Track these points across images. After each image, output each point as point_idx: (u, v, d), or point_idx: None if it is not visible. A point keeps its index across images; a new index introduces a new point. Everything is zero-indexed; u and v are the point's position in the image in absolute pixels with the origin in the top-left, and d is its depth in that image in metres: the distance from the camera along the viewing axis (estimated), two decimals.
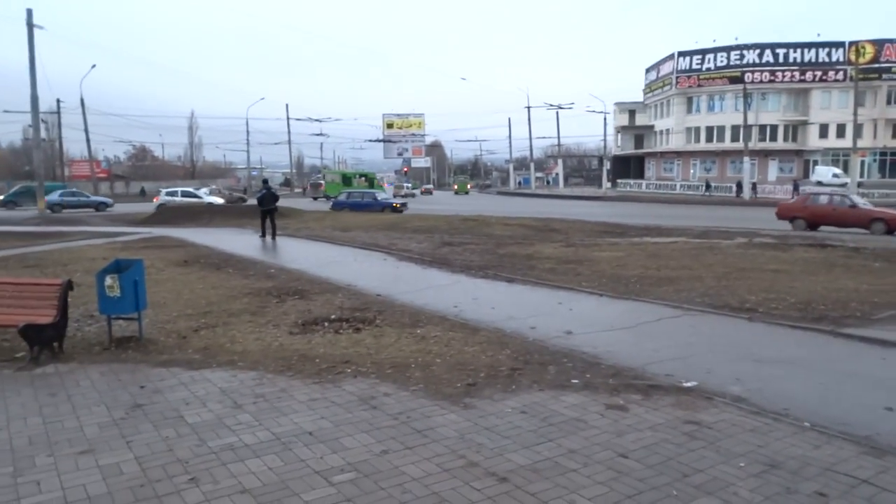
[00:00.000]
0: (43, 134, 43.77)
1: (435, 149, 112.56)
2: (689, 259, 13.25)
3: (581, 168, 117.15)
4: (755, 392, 5.27)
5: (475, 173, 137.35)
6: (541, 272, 11.88)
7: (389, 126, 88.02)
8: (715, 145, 63.33)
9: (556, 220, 24.97)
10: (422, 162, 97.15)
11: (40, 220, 28.65)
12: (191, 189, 41.30)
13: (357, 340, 6.90)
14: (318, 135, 79.58)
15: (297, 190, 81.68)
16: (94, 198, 41.98)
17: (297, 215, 29.00)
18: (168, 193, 38.40)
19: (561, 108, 67.75)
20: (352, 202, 34.13)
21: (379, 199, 34.73)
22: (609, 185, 67.68)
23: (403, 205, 34.18)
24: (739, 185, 49.78)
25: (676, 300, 9.08)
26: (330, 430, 4.46)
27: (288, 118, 75.68)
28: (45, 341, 6.21)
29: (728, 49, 62.06)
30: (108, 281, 6.50)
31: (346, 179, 54.71)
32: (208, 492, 3.61)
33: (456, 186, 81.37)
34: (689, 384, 5.45)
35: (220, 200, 38.10)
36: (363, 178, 54.93)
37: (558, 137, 74.18)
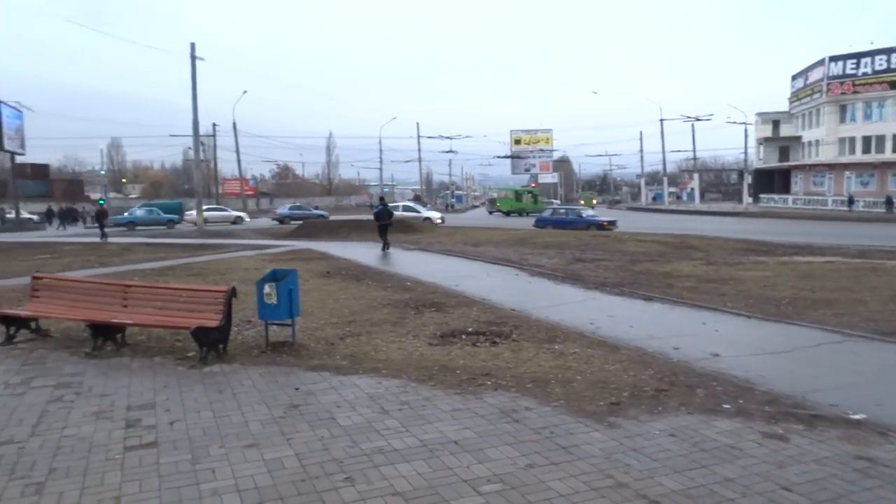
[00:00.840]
0: (201, 155, 47.96)
1: (563, 164, 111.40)
2: (848, 280, 12.21)
3: (718, 183, 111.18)
4: None
5: (604, 188, 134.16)
6: (680, 290, 11.42)
7: (517, 142, 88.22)
8: (874, 156, 57.85)
9: (694, 237, 23.89)
10: (549, 177, 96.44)
11: (199, 233, 31.35)
12: (410, 203, 42.02)
13: (495, 354, 6.95)
14: (447, 152, 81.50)
15: (427, 205, 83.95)
16: (314, 211, 48.81)
17: (428, 230, 29.74)
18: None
19: (698, 119, 65.02)
20: (555, 219, 32.61)
21: (584, 216, 32.64)
22: (750, 200, 63.88)
23: (612, 223, 31.35)
24: (889, 200, 46.09)
25: (836, 324, 8.39)
26: (474, 441, 4.51)
27: (419, 136, 78.03)
28: (212, 343, 6.77)
29: (889, 51, 56.64)
30: (267, 289, 6.99)
31: (518, 196, 59.35)
32: (363, 491, 3.77)
33: (582, 202, 79.65)
34: (857, 416, 5.00)
35: (437, 215, 38.48)
36: (530, 195, 59.78)
37: (693, 150, 71.27)
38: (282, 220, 43.25)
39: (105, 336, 7.26)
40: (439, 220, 36.31)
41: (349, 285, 12.41)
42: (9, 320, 7.75)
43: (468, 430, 4.73)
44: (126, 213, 42.71)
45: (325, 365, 6.55)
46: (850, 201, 49.48)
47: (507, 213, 56.07)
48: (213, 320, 6.77)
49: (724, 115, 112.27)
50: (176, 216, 43.05)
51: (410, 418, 4.98)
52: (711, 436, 4.60)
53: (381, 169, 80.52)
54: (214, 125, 64.74)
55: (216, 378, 6.16)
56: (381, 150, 77.93)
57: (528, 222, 36.19)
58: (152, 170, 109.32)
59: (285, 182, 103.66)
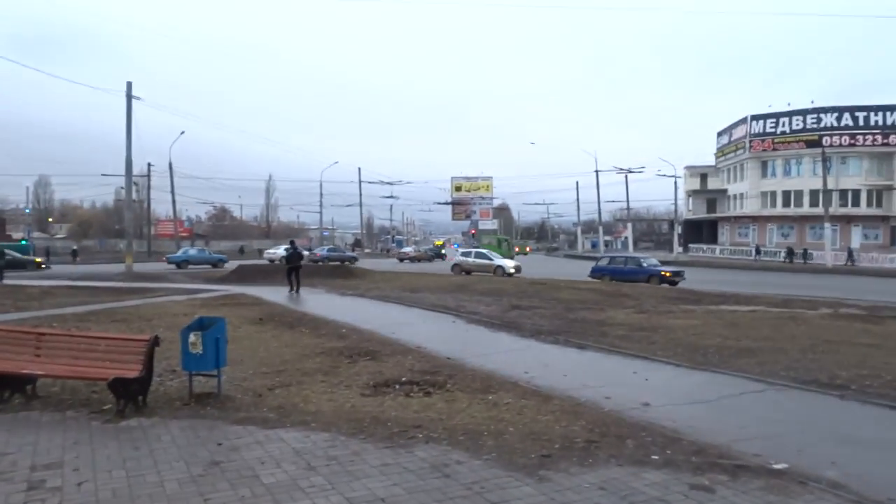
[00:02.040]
0: (134, 196, 46.61)
1: (502, 211, 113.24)
2: (771, 329, 12.68)
3: (651, 232, 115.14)
4: (854, 477, 4.89)
5: (542, 236, 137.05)
6: (613, 339, 11.60)
7: (458, 189, 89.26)
8: (793, 210, 61.25)
9: (627, 286, 24.46)
10: (489, 224, 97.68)
11: (128, 276, 30.11)
12: (483, 251, 37.80)
13: (428, 404, 6.85)
14: (388, 197, 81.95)
15: (366, 250, 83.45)
16: (347, 253, 56.78)
17: (367, 276, 29.52)
18: (463, 254, 36.94)
19: (630, 171, 67.25)
20: (612, 269, 29.49)
21: (645, 265, 29.24)
22: (680, 249, 66.23)
23: (678, 274, 28.24)
24: (790, 251, 50.48)
25: (759, 373, 8.65)
26: (403, 498, 4.38)
27: (360, 181, 78.35)
28: (130, 395, 6.43)
29: (804, 112, 60.63)
30: (192, 338, 6.72)
31: (499, 242, 63.28)
32: None
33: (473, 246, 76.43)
34: (779, 466, 5.12)
35: (511, 264, 33.86)
36: (506, 242, 64.25)
37: (627, 201, 73.44)
38: (320, 261, 46.43)
39: (13, 388, 6.81)
40: (512, 270, 32.63)
41: (282, 332, 12.11)
42: None
43: (397, 486, 4.59)
44: (180, 252, 48.00)
45: (252, 418, 6.31)
46: (757, 251, 54.33)
47: None
48: (132, 371, 6.45)
49: (656, 168, 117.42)
50: (224, 256, 47.67)
51: (337, 475, 4.81)
52: (640, 488, 4.61)
53: (321, 212, 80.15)
54: (149, 165, 63.26)
55: (133, 433, 5.83)
56: (321, 194, 77.57)
57: None
58: (81, 209, 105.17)
59: (222, 224, 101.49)
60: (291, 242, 25.19)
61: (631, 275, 28.12)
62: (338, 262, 42.66)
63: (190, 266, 42.23)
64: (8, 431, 5.88)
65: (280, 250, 55.81)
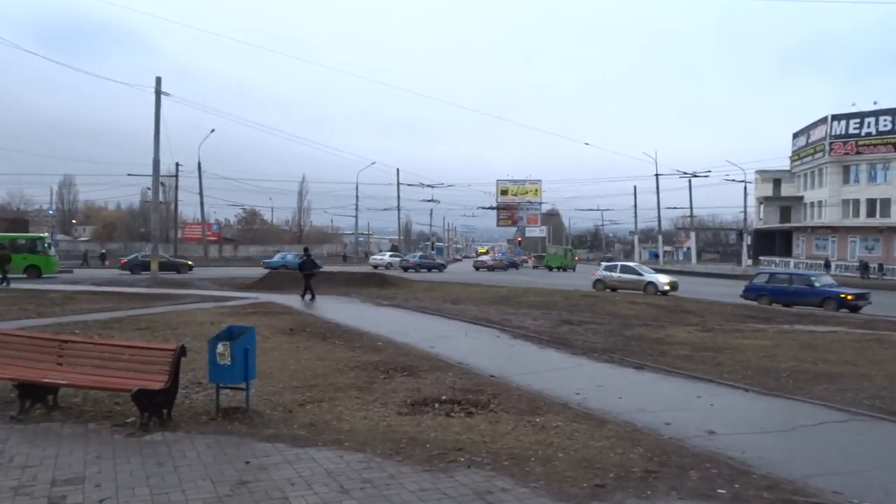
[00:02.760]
0: (160, 197, 47.90)
1: (552, 217, 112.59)
2: (853, 353, 12.30)
3: (716, 242, 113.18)
4: None
5: (595, 245, 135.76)
6: (674, 359, 11.44)
7: (504, 192, 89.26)
8: (878, 220, 59.24)
9: (689, 300, 24.07)
10: (536, 231, 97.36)
11: (153, 281, 30.97)
12: (632, 265, 35.42)
13: (470, 426, 6.83)
14: (428, 201, 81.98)
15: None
16: (436, 261, 60.71)
17: (405, 285, 29.70)
18: (607, 268, 34.66)
19: (695, 175, 66.30)
20: (772, 288, 25.78)
21: (817, 285, 24.94)
22: (749, 262, 64.77)
23: (861, 296, 24.14)
24: (865, 265, 49.69)
25: (840, 401, 8.39)
26: None
27: (398, 183, 78.66)
28: (155, 407, 6.58)
29: (893, 112, 58.74)
30: (220, 348, 6.84)
31: (565, 253, 69.80)
32: None
33: (546, 261, 73.93)
34: None
35: (665, 280, 31.14)
36: (570, 252, 69.92)
37: (690, 208, 72.20)
38: (412, 268, 53.45)
39: (34, 398, 7.03)
40: (667, 287, 29.91)
41: (314, 344, 12.26)
42: None
43: None
44: (277, 257, 52.13)
45: (282, 435, 6.38)
46: (826, 265, 52.39)
47: (550, 269, 66.35)
48: (157, 382, 6.60)
49: (723, 172, 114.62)
50: (320, 263, 48.33)
51: (373, 499, 4.82)
52: None
53: (356, 216, 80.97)
54: (177, 165, 65.06)
55: (157, 448, 5.96)
56: (357, 197, 78.41)
57: (553, 278, 36.05)
58: (106, 210, 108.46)
59: (251, 227, 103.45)
60: (305, 250, 26.06)
61: (798, 296, 24.48)
62: (426, 270, 52.92)
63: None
64: (29, 443, 6.08)
65: (385, 256, 64.90)
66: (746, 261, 63.45)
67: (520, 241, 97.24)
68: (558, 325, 15.94)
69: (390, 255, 64.88)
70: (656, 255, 79.13)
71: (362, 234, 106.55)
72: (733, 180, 64.77)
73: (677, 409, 7.87)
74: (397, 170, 79.67)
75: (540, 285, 33.54)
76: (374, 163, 79.20)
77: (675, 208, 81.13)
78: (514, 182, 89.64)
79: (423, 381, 9.01)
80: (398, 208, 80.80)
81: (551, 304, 21.55)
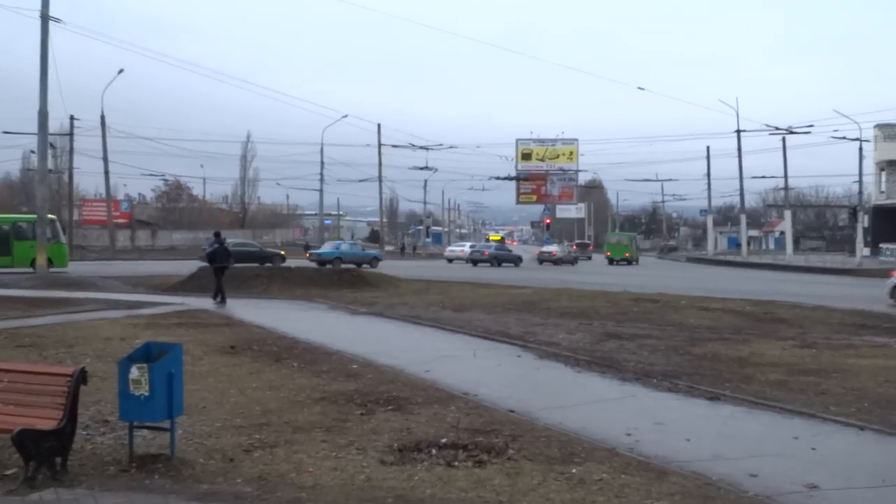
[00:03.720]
0: (50, 163, 47.77)
1: (592, 192, 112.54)
2: None
3: (821, 224, 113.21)
4: None
5: (653, 229, 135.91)
6: (762, 386, 11.53)
7: (526, 157, 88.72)
8: None
9: (784, 305, 24.14)
10: (572, 210, 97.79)
11: (40, 280, 30.80)
12: None
13: (481, 479, 6.87)
14: (422, 168, 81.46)
15: (389, 248, 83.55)
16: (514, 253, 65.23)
17: (389, 285, 29.77)
18: None
19: (791, 132, 66.30)
20: None
21: None
22: (866, 251, 64.75)
23: None
24: None
25: None
26: None
27: (380, 144, 78.34)
28: (44, 455, 6.59)
29: None
30: (135, 374, 6.86)
31: (630, 241, 75.90)
32: None
33: (607, 251, 78.90)
34: None
35: None
36: (634, 241, 76.78)
37: (785, 177, 72.37)
38: (487, 261, 58.02)
39: None
40: None
41: (264, 367, 12.30)
42: None
43: None
44: (328, 247, 52.81)
45: (220, 493, 6.42)
46: None
47: (612, 262, 71.17)
48: (48, 420, 6.61)
49: (830, 127, 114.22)
50: (378, 253, 54.60)
51: None
52: None
53: (321, 190, 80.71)
54: (72, 119, 64.85)
55: None
56: (322, 163, 78.23)
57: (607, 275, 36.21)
58: None
59: (176, 206, 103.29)
60: (216, 235, 26.23)
61: None
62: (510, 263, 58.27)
63: (343, 265, 45.53)
64: None
65: (465, 247, 71.45)
66: (862, 249, 63.36)
67: (548, 224, 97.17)
68: (602, 341, 16.02)
69: (470, 247, 69.75)
70: (737, 244, 79.40)
71: (330, 214, 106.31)
72: (844, 138, 64.48)
73: (766, 455, 7.91)
74: (378, 125, 79.29)
75: (575, 285, 33.61)
76: (345, 116, 77.54)
77: (763, 178, 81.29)
78: (541, 142, 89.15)
79: (416, 419, 9.04)
80: (380, 178, 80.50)
81: (592, 311, 21.58)
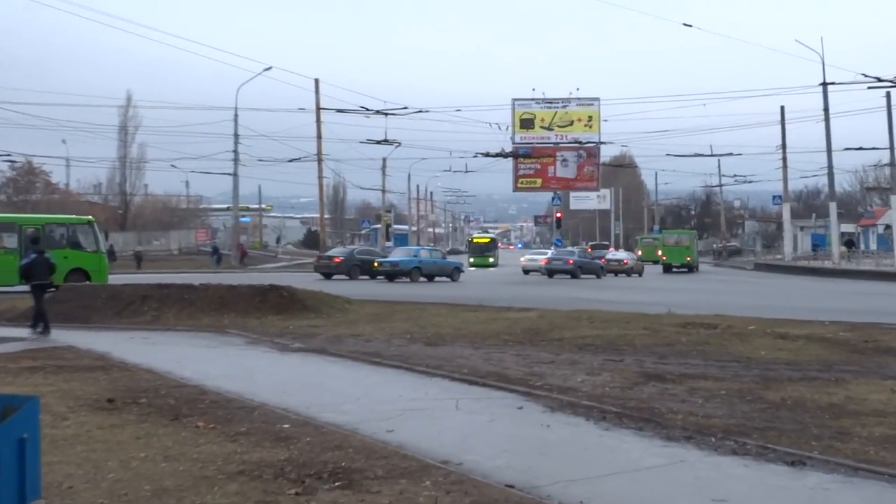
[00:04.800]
0: None
1: (620, 172, 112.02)
2: None
3: None
4: None
5: (707, 224, 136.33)
6: (864, 444, 11.54)
7: (527, 124, 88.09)
8: None
9: (893, 331, 24.26)
10: (592, 199, 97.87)
11: None
12: None
13: None
14: (379, 142, 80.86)
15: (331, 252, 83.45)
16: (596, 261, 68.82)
17: (334, 308, 29.72)
18: None
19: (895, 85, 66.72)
20: None
21: None
22: None
23: None
24: None
25: None
26: None
27: (318, 107, 77.89)
28: None
29: None
30: None
31: (692, 240, 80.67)
32: None
33: (663, 255, 79.95)
34: None
35: None
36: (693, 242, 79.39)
37: (892, 149, 72.66)
38: (569, 272, 62.02)
39: None
40: None
41: (156, 429, 12.20)
42: None
43: None
44: (398, 253, 60.21)
45: None
46: None
47: (669, 268, 75.48)
48: None
49: None
50: (459, 263, 60.12)
51: None
52: None
53: (235, 174, 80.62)
54: None
55: None
56: (236, 136, 78.09)
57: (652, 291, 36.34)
58: None
59: (28, 199, 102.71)
60: (34, 242, 27.31)
61: None
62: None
63: (422, 277, 51.90)
64: None
65: (548, 254, 74.21)
66: None
67: (558, 219, 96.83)
68: (638, 384, 16.01)
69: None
70: (823, 242, 79.76)
71: (248, 209, 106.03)
72: None
73: None
74: (315, 81, 78.79)
75: (596, 304, 33.67)
76: (269, 68, 77.16)
77: (859, 150, 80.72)
78: (548, 104, 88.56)
79: (375, 500, 9.02)
80: (319, 157, 79.83)
81: (623, 341, 21.56)
